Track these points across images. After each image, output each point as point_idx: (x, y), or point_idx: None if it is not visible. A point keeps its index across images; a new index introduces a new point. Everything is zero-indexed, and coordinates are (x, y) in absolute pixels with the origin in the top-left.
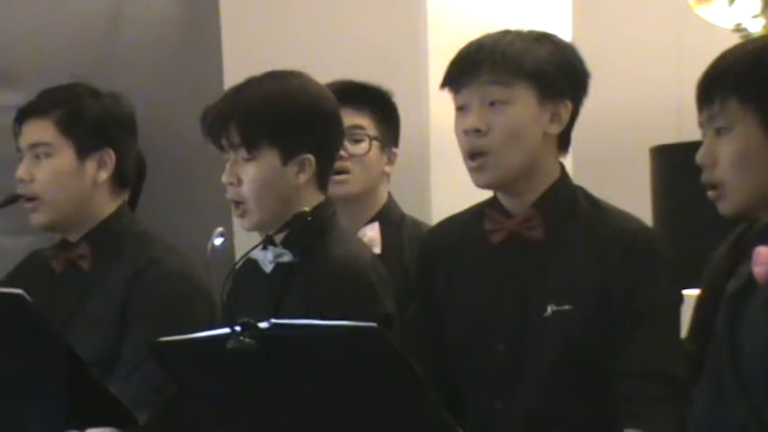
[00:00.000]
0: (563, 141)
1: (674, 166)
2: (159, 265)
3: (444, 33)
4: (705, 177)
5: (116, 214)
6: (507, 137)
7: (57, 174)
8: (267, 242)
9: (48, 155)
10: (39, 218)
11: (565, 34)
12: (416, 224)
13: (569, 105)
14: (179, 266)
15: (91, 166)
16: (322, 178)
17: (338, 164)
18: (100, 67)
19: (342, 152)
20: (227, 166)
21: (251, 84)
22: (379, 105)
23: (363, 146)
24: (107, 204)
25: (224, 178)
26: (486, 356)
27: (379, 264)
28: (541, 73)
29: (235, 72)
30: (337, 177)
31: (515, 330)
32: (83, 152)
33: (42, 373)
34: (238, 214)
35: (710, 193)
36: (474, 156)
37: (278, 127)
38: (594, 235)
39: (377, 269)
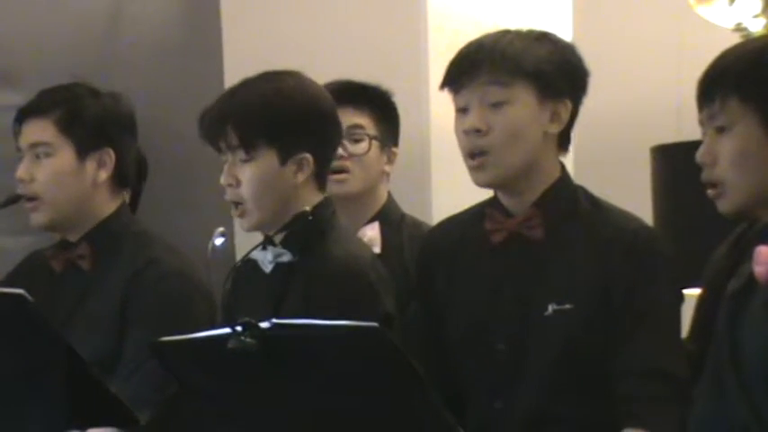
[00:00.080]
0: (563, 141)
1: (675, 165)
2: (159, 264)
3: (444, 33)
4: (705, 176)
5: (116, 214)
6: (507, 137)
7: (57, 173)
8: (267, 242)
9: (48, 154)
10: (38, 217)
11: (565, 34)
12: (416, 224)
13: (569, 105)
14: (178, 266)
15: (91, 165)
16: (320, 177)
17: (338, 163)
18: (100, 67)
19: (341, 152)
20: (225, 167)
21: (247, 85)
22: (379, 105)
23: (363, 145)
24: (107, 204)
25: (222, 180)
26: (486, 356)
27: (379, 263)
28: (541, 72)
29: (235, 72)
30: (337, 177)
31: (516, 330)
32: (82, 152)
33: (43, 373)
34: (237, 215)
35: (710, 192)
36: (474, 155)
37: (275, 127)
38: (595, 234)
39: (376, 269)
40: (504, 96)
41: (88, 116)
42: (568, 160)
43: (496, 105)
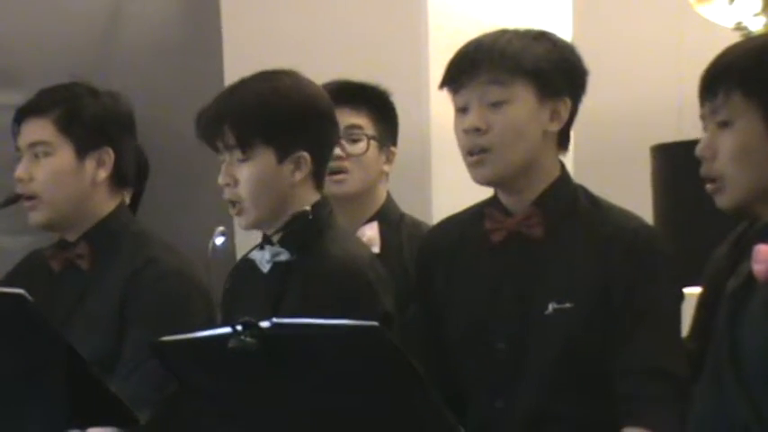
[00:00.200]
0: (563, 139)
1: (675, 164)
2: (157, 263)
3: (444, 33)
4: (704, 170)
5: (115, 213)
6: (507, 136)
7: (56, 173)
8: (265, 242)
9: (47, 154)
10: (37, 217)
11: (565, 34)
12: (415, 223)
13: (568, 103)
14: (177, 265)
15: (90, 165)
16: (318, 176)
17: (336, 164)
18: (99, 67)
19: (340, 152)
20: (223, 167)
21: (243, 84)
22: (377, 105)
23: (361, 145)
24: (106, 203)
25: (220, 179)
26: (486, 355)
27: (378, 263)
28: (540, 71)
29: (235, 72)
30: (335, 177)
31: (516, 329)
32: (82, 151)
33: (43, 372)
34: (235, 213)
35: (709, 187)
36: (474, 152)
37: (271, 126)
38: (595, 233)
39: (375, 268)
40: (504, 95)
41: (87, 115)
42: (568, 159)
43: (496, 104)
